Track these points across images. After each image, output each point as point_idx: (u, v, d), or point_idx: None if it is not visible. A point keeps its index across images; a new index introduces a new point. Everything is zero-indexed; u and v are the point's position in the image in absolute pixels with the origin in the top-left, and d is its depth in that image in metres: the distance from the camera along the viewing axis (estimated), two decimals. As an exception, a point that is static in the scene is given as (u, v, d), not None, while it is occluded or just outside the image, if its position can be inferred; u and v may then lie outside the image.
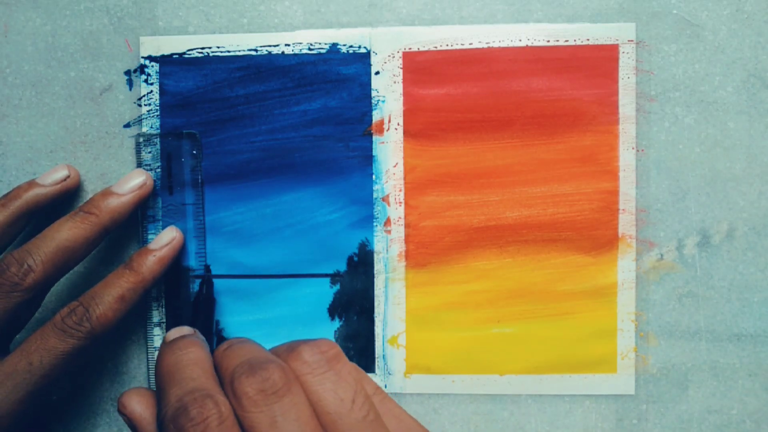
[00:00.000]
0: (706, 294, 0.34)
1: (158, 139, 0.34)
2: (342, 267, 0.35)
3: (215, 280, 0.35)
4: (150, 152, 0.35)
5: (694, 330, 0.34)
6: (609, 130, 0.34)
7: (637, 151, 0.34)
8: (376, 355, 0.35)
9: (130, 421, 0.27)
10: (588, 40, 0.34)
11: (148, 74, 0.35)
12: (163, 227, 0.34)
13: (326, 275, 0.35)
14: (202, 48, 0.34)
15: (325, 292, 0.35)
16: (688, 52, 0.34)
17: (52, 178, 0.33)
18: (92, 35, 0.35)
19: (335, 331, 0.35)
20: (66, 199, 0.35)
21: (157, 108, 0.35)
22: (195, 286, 0.35)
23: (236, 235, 0.35)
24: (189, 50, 0.34)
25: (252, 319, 0.35)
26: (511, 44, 0.34)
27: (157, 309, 0.35)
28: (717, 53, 0.34)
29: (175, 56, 0.35)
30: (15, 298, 0.30)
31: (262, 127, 0.34)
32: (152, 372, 0.35)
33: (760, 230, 0.34)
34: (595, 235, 0.34)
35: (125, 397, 0.28)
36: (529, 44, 0.34)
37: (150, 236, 0.34)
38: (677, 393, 0.34)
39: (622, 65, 0.34)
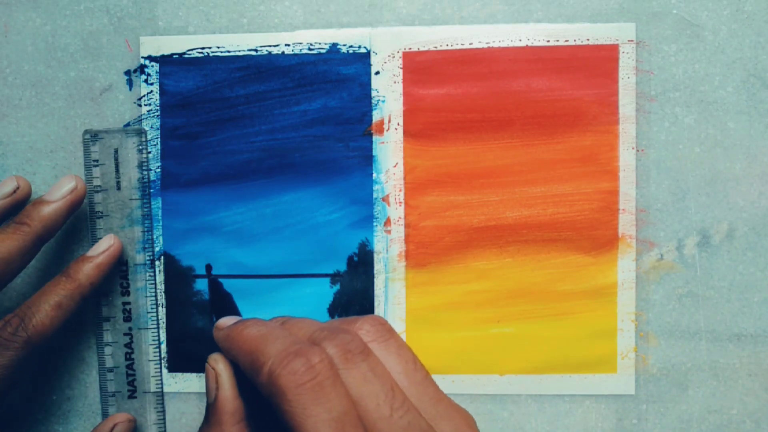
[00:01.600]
0: (706, 294, 0.34)
1: (105, 135, 0.34)
2: (342, 267, 0.35)
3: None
4: (97, 149, 0.34)
5: (694, 330, 0.34)
6: (609, 130, 0.34)
7: (637, 151, 0.34)
8: (376, 355, 0.35)
9: (213, 376, 0.29)
10: (588, 40, 0.34)
11: (148, 74, 0.35)
12: (112, 223, 0.34)
13: (326, 275, 0.35)
14: (202, 48, 0.34)
15: (325, 292, 0.35)
16: (688, 52, 0.34)
17: (61, 191, 0.32)
18: (92, 35, 0.35)
19: (335, 331, 0.35)
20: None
21: (157, 108, 0.35)
22: (204, 293, 0.35)
23: (236, 235, 0.35)
24: (189, 50, 0.34)
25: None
26: (511, 44, 0.34)
27: (107, 305, 0.35)
28: (717, 53, 0.34)
29: (175, 56, 0.35)
30: None
31: (262, 127, 0.34)
32: (153, 373, 0.35)
33: (760, 230, 0.34)
34: (595, 235, 0.34)
35: (214, 356, 0.29)
36: (529, 44, 0.34)
37: (99, 231, 0.34)
38: (677, 393, 0.34)
39: (622, 65, 0.34)
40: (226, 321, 0.30)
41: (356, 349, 0.26)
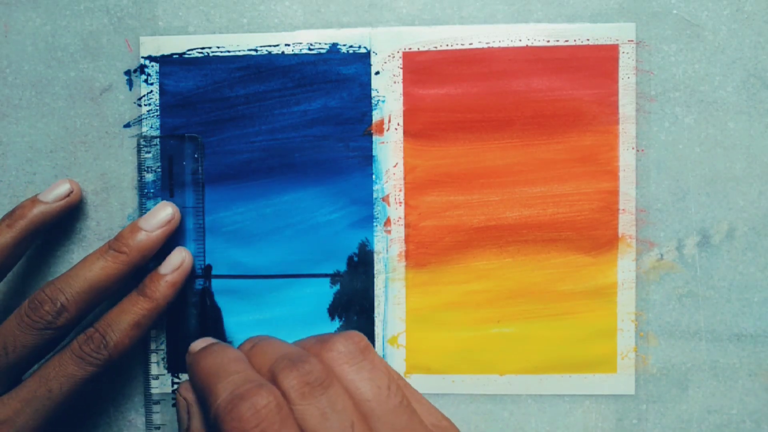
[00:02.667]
0: (706, 294, 0.34)
1: (159, 140, 0.34)
2: (342, 267, 0.35)
3: (215, 281, 0.35)
4: (150, 153, 0.35)
5: (694, 330, 0.34)
6: (609, 130, 0.34)
7: (637, 151, 0.34)
8: (376, 355, 0.35)
9: (185, 406, 0.28)
10: (588, 40, 0.34)
11: (148, 74, 0.35)
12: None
13: (326, 275, 0.35)
14: (202, 48, 0.34)
15: (325, 292, 0.35)
16: (688, 52, 0.34)
17: (55, 194, 0.33)
18: (92, 35, 0.35)
19: (335, 331, 0.35)
20: (70, 214, 0.35)
21: (157, 108, 0.35)
22: (196, 298, 0.35)
23: (236, 235, 0.35)
24: (189, 50, 0.34)
25: (252, 319, 0.35)
26: (511, 44, 0.34)
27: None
28: (717, 53, 0.34)
29: (175, 56, 0.35)
30: (46, 335, 0.30)
31: (262, 127, 0.34)
32: (153, 373, 0.35)
33: (760, 230, 0.34)
34: (595, 235, 0.34)
35: (185, 385, 0.29)
36: (529, 44, 0.34)
37: None
38: (677, 393, 0.34)
39: (622, 65, 0.34)
40: (196, 345, 0.30)
41: (316, 381, 0.25)
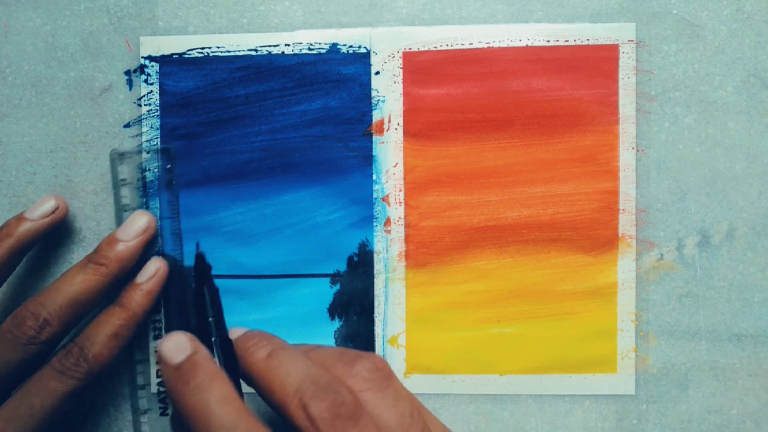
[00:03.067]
0: (706, 294, 0.34)
1: (128, 154, 0.34)
2: (342, 267, 0.35)
3: (215, 281, 0.35)
4: (122, 168, 0.35)
5: (694, 330, 0.34)
6: (609, 130, 0.34)
7: (637, 151, 0.34)
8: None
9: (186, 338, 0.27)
10: (588, 40, 0.34)
11: (148, 74, 0.35)
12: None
13: (326, 275, 0.35)
14: (202, 48, 0.34)
15: (325, 292, 0.35)
16: (688, 52, 0.34)
17: (41, 211, 0.33)
18: (92, 35, 0.35)
19: (335, 331, 0.35)
20: (69, 215, 0.35)
21: (157, 108, 0.35)
22: (204, 294, 0.35)
23: (236, 235, 0.35)
24: (189, 50, 0.34)
25: (252, 319, 0.35)
26: (511, 44, 0.34)
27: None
28: (717, 53, 0.34)
29: (175, 56, 0.35)
30: (30, 351, 0.30)
31: (262, 127, 0.34)
32: (153, 373, 0.35)
33: (760, 230, 0.34)
34: (595, 235, 0.34)
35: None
36: (529, 44, 0.34)
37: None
38: (677, 393, 0.34)
39: (622, 65, 0.34)
40: (171, 352, 0.27)
41: (347, 413, 0.24)
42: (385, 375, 0.27)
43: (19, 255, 0.32)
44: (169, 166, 0.34)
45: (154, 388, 0.35)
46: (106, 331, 0.31)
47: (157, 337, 0.35)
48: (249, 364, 0.27)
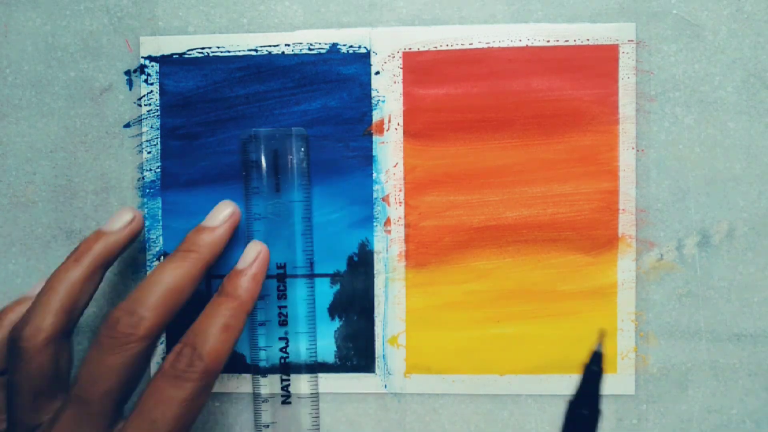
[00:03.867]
0: (706, 294, 0.34)
1: (263, 136, 0.34)
2: (342, 267, 0.35)
3: (215, 280, 0.35)
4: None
5: (694, 330, 0.34)
6: (609, 130, 0.34)
7: (637, 151, 0.34)
8: (376, 355, 0.35)
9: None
10: (588, 40, 0.34)
11: (148, 74, 0.35)
12: (269, 225, 0.34)
13: (326, 275, 0.35)
14: (202, 48, 0.34)
15: (325, 292, 0.35)
16: (688, 52, 0.34)
17: (118, 224, 0.31)
18: (92, 35, 0.35)
19: (335, 331, 0.35)
20: (69, 214, 0.35)
21: (157, 108, 0.35)
22: (204, 293, 0.35)
23: (236, 235, 0.35)
24: (189, 50, 0.34)
25: (252, 319, 0.35)
26: (511, 44, 0.34)
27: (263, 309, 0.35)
28: (717, 53, 0.34)
29: (175, 56, 0.35)
30: (130, 349, 0.27)
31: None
32: (153, 373, 0.35)
33: (760, 230, 0.34)
34: (595, 235, 0.34)
35: None
36: (529, 44, 0.34)
37: (255, 233, 0.34)
38: (677, 393, 0.34)
39: (622, 65, 0.34)
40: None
41: None
42: None
43: (100, 271, 0.31)
44: (303, 149, 0.33)
45: (276, 378, 0.35)
46: (216, 323, 0.29)
47: (282, 323, 0.34)
48: None
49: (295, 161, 0.34)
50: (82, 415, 0.27)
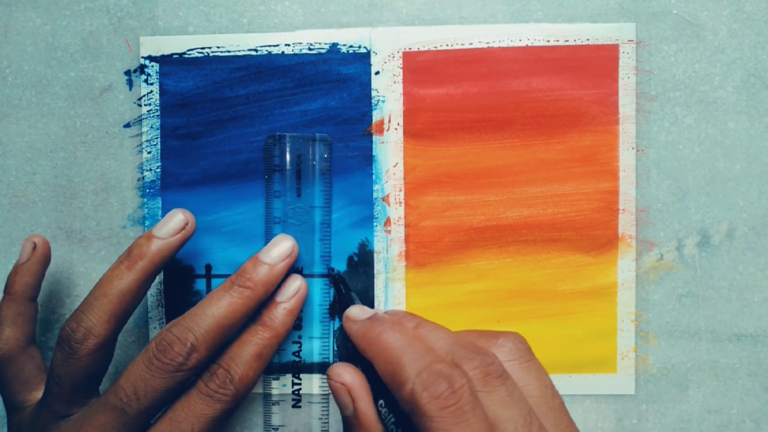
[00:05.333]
0: (706, 294, 0.34)
1: (288, 140, 0.34)
2: (342, 267, 0.35)
3: (215, 280, 0.35)
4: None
5: (694, 330, 0.34)
6: (609, 130, 0.34)
7: (637, 151, 0.34)
8: (376, 355, 0.35)
9: (345, 390, 0.28)
10: (588, 40, 0.34)
11: (148, 74, 0.35)
12: (288, 229, 0.34)
13: (326, 275, 0.35)
14: (202, 48, 0.34)
15: (325, 291, 0.35)
16: (688, 52, 0.34)
17: (170, 228, 0.31)
18: (92, 35, 0.35)
19: (335, 331, 0.35)
20: (69, 215, 0.35)
21: (157, 108, 0.35)
22: (203, 293, 0.35)
23: (236, 235, 0.35)
24: (189, 50, 0.34)
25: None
26: (511, 44, 0.34)
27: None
28: (717, 53, 0.34)
29: (175, 56, 0.35)
30: (178, 377, 0.29)
31: (262, 127, 0.34)
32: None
33: (760, 230, 0.34)
34: (595, 235, 0.34)
35: (337, 369, 0.29)
36: (529, 44, 0.34)
37: (275, 236, 0.34)
38: (677, 393, 0.34)
39: (622, 65, 0.34)
40: (357, 313, 0.30)
41: (496, 372, 0.26)
42: (527, 349, 0.28)
43: (153, 277, 0.31)
44: (326, 155, 0.34)
45: (287, 380, 0.35)
46: (250, 351, 0.30)
47: (296, 327, 0.34)
48: (400, 332, 0.28)
49: (317, 167, 0.34)
50: (117, 423, 0.29)
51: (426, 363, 0.25)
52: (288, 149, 0.34)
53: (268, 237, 0.34)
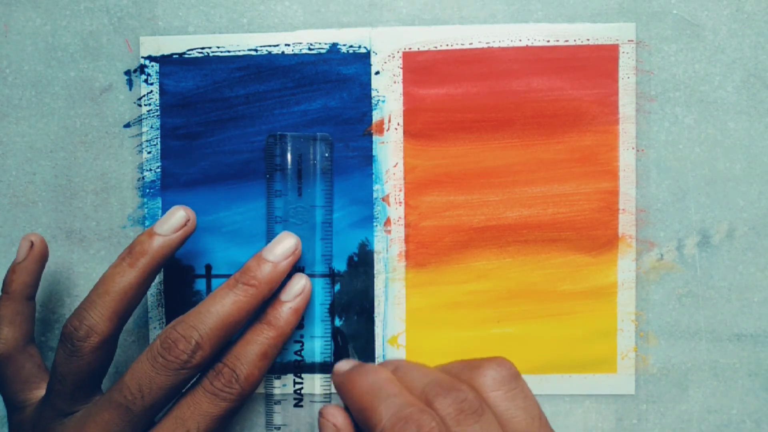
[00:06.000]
0: (706, 294, 0.34)
1: (289, 139, 0.34)
2: (342, 267, 0.35)
3: (215, 280, 0.35)
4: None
5: (694, 330, 0.34)
6: (609, 130, 0.34)
7: (637, 151, 0.34)
8: (376, 355, 0.35)
9: (335, 429, 0.28)
10: (588, 40, 0.34)
11: (148, 74, 0.35)
12: (290, 229, 0.34)
13: (326, 275, 0.35)
14: (202, 48, 0.34)
15: (327, 291, 0.35)
16: (688, 52, 0.34)
17: (171, 224, 0.31)
18: (92, 35, 0.35)
19: (340, 325, 0.35)
20: (68, 214, 0.35)
21: (157, 108, 0.35)
22: (203, 293, 0.35)
23: (236, 235, 0.35)
24: (189, 50, 0.34)
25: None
26: (511, 44, 0.34)
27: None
28: (717, 53, 0.34)
29: (175, 56, 0.35)
30: (181, 375, 0.29)
31: (262, 127, 0.34)
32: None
33: (760, 230, 0.34)
34: (595, 235, 0.34)
35: (330, 410, 0.29)
36: (529, 44, 0.34)
37: (275, 236, 0.34)
38: (677, 393, 0.34)
39: (622, 65, 0.34)
40: (342, 366, 0.30)
41: (470, 408, 0.25)
42: (512, 375, 0.27)
43: (155, 275, 0.31)
44: (327, 154, 0.33)
45: (289, 380, 0.35)
46: (255, 350, 0.30)
47: (298, 326, 0.34)
48: (374, 376, 0.28)
49: (318, 166, 0.34)
50: (122, 421, 0.29)
51: (396, 406, 0.25)
52: (289, 148, 0.34)
53: (269, 236, 0.34)
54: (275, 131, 0.34)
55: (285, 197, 0.34)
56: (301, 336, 0.34)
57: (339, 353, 0.34)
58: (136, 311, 0.35)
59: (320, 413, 0.29)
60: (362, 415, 0.27)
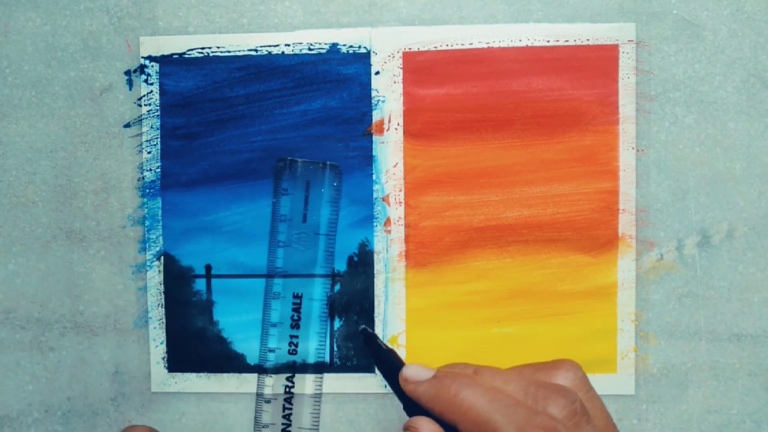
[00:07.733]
0: (706, 294, 0.34)
1: (299, 165, 0.34)
2: (342, 267, 0.35)
3: (215, 280, 0.35)
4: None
5: (694, 330, 0.34)
6: (609, 130, 0.34)
7: (637, 151, 0.34)
8: (376, 355, 0.35)
9: None
10: (588, 40, 0.34)
11: (148, 74, 0.35)
12: (292, 255, 0.34)
13: (326, 275, 0.35)
14: (202, 48, 0.34)
15: (325, 291, 0.35)
16: (688, 52, 0.34)
17: None
18: (92, 35, 0.35)
19: (335, 331, 0.35)
20: (68, 214, 0.35)
21: (157, 108, 0.35)
22: (203, 293, 0.35)
23: (236, 235, 0.35)
24: (189, 50, 0.34)
25: (252, 319, 0.35)
26: (511, 44, 0.34)
27: (274, 336, 0.35)
28: (717, 53, 0.34)
29: (175, 56, 0.35)
30: None
31: (262, 127, 0.34)
32: (153, 373, 0.35)
33: (760, 230, 0.34)
34: (595, 235, 0.34)
35: (418, 421, 0.27)
36: (529, 44, 0.34)
37: (277, 260, 0.34)
38: (677, 393, 0.34)
39: (622, 65, 0.34)
40: (416, 373, 0.28)
41: (582, 411, 0.25)
42: (586, 377, 0.26)
43: None
44: (335, 183, 0.34)
45: (281, 379, 0.35)
46: None
47: (292, 352, 0.34)
48: (475, 386, 0.26)
49: (326, 194, 0.34)
50: None
51: (522, 417, 0.25)
52: (298, 174, 0.34)
53: (271, 259, 0.34)
54: (275, 131, 0.34)
55: (290, 222, 0.34)
56: (297, 337, 0.34)
57: (384, 357, 0.30)
58: (136, 311, 0.35)
59: (406, 427, 0.27)
60: (479, 429, 0.26)
